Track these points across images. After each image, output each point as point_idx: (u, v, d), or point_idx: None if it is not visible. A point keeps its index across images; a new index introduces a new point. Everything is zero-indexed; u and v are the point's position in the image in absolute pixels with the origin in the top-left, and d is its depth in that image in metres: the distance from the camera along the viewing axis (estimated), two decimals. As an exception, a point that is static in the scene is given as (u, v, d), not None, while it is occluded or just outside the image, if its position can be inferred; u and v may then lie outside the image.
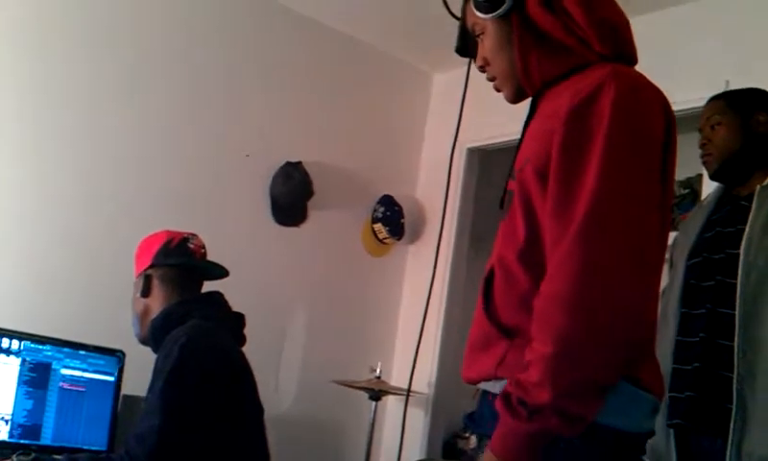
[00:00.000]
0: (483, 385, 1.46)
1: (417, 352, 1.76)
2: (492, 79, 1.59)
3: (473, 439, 1.54)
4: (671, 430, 2.33)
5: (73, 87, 3.42)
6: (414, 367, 1.80)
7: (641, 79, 1.43)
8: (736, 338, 2.20)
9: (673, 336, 2.37)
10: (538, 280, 1.36)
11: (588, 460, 1.32)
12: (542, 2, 1.48)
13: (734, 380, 2.19)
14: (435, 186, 4.34)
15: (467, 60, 1.67)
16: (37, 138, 3.33)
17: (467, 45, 1.63)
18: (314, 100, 4.13)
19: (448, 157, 4.47)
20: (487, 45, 1.56)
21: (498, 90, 1.59)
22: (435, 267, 1.76)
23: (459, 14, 1.64)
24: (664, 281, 2.54)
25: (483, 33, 1.57)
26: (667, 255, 2.58)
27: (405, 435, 3.89)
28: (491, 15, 1.52)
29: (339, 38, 4.20)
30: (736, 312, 2.22)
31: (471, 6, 1.55)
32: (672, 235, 2.65)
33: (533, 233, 1.40)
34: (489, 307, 1.46)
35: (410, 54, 4.34)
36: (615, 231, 1.29)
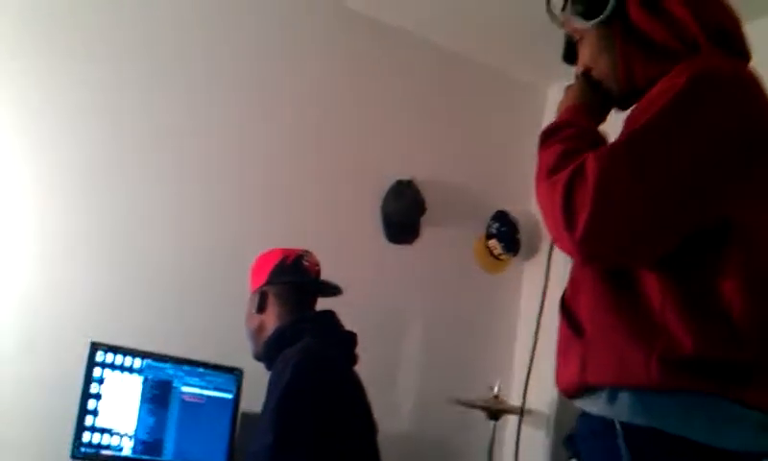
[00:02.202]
0: (579, 403, 1.42)
1: (529, 370, 1.71)
2: (598, 82, 1.53)
3: None
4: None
5: (193, 110, 3.52)
6: (526, 385, 1.76)
7: (736, 73, 1.35)
8: None
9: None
10: (601, 277, 1.37)
11: None
12: (645, 5, 1.43)
13: None
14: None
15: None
16: (160, 159, 3.43)
17: (574, 53, 1.58)
18: (425, 117, 4.12)
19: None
20: (586, 51, 1.53)
21: (607, 92, 1.53)
22: (546, 281, 1.72)
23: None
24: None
25: (582, 38, 1.52)
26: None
27: (524, 456, 3.79)
28: (592, 22, 1.47)
29: (448, 56, 4.18)
30: None
31: (570, 13, 1.51)
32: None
33: None
34: (564, 306, 1.46)
35: (521, 68, 4.27)
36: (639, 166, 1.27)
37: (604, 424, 1.33)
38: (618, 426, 1.31)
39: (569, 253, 1.32)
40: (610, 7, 1.45)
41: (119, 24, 3.38)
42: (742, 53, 1.44)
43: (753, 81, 1.38)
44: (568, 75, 1.68)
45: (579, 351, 1.39)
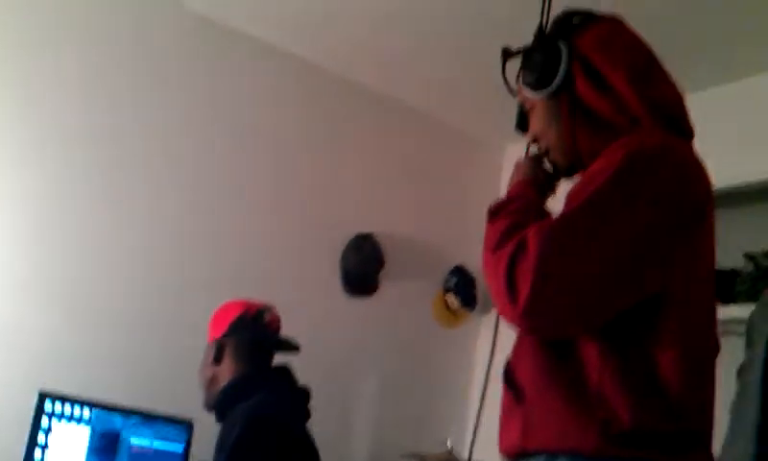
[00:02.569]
0: None
1: (476, 425, 1.74)
2: (544, 152, 1.58)
3: None
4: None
5: (151, 159, 3.52)
6: (473, 440, 1.79)
7: (672, 148, 1.41)
8: None
9: (756, 419, 2.25)
10: (542, 345, 1.40)
11: None
12: (591, 81, 1.48)
13: None
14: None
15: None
16: (118, 208, 3.41)
17: (526, 122, 1.63)
18: (385, 172, 4.16)
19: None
20: (536, 121, 1.58)
21: (551, 163, 1.58)
22: (495, 336, 1.75)
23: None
24: (740, 355, 2.43)
25: (533, 108, 1.57)
26: (741, 329, 2.47)
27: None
28: (540, 94, 1.52)
29: (409, 113, 4.24)
30: None
31: (521, 83, 1.56)
32: (746, 307, 2.55)
33: None
34: (507, 373, 1.49)
35: (480, 126, 4.34)
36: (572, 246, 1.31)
37: None
38: None
39: (513, 324, 1.36)
40: (557, 80, 1.50)
41: (57, 68, 3.39)
42: (684, 130, 1.49)
43: (687, 155, 1.43)
44: (526, 135, 1.72)
45: (520, 417, 1.42)
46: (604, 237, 1.30)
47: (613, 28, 1.54)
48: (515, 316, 1.31)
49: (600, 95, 1.47)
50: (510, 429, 1.44)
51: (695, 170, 1.42)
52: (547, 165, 1.59)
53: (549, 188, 1.59)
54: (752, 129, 3.29)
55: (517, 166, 1.61)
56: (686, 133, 1.50)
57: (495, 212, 1.48)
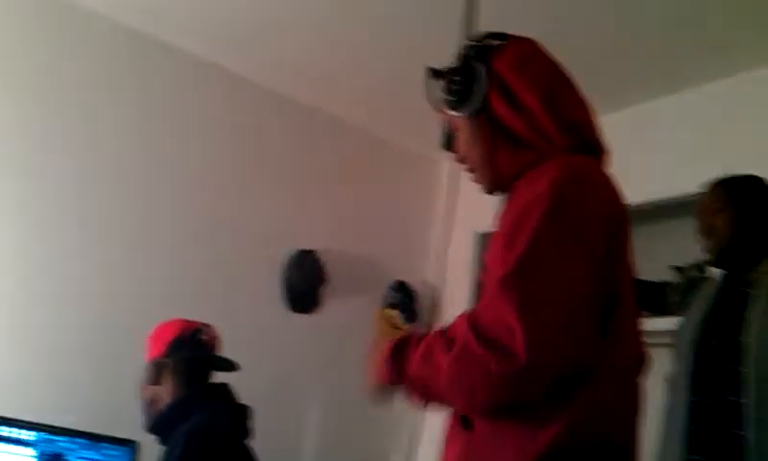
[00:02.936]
0: None
1: (415, 444, 1.78)
2: (470, 171, 1.66)
3: None
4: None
5: (84, 179, 3.51)
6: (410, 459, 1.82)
7: (587, 166, 1.50)
8: (748, 429, 2.18)
9: (686, 425, 2.35)
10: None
11: None
12: (506, 100, 1.55)
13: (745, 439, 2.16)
14: (448, 271, 4.37)
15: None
16: (52, 228, 3.40)
17: (451, 141, 1.70)
18: (325, 189, 4.21)
19: (460, 241, 4.50)
20: (461, 141, 1.64)
21: (477, 182, 1.66)
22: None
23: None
24: (665, 368, 2.54)
25: (457, 129, 1.64)
26: (670, 339, 2.59)
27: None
28: (460, 114, 1.59)
29: (347, 129, 4.30)
30: (744, 400, 2.20)
31: (443, 104, 1.63)
32: (674, 320, 2.67)
33: None
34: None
35: (418, 141, 4.41)
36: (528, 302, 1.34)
37: None
38: None
39: (516, 380, 1.33)
40: (475, 101, 1.57)
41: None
42: (594, 147, 1.59)
43: (602, 175, 1.53)
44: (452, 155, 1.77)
45: (463, 443, 1.46)
46: (559, 278, 1.35)
47: (528, 50, 1.61)
48: (517, 364, 1.31)
49: (515, 115, 1.55)
50: (450, 453, 1.50)
51: (612, 188, 1.51)
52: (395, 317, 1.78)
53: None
54: (680, 144, 3.43)
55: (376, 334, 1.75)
56: (597, 150, 1.59)
57: (400, 352, 1.59)
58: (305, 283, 3.99)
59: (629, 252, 1.52)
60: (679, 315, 2.64)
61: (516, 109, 1.55)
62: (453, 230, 3.90)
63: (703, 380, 2.36)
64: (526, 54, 1.60)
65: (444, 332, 1.43)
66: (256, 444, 2.54)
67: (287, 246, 3.97)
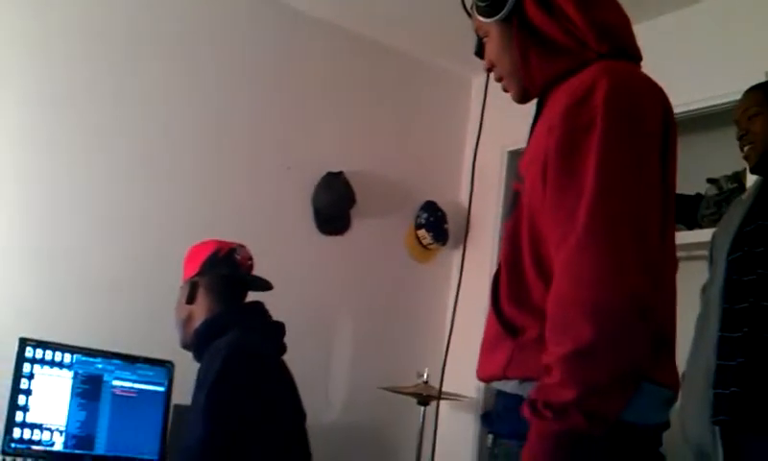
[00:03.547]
0: (495, 384, 1.48)
1: (446, 356, 1.78)
2: (499, 79, 1.62)
3: (489, 438, 1.56)
4: (717, 428, 2.30)
5: (124, 106, 3.51)
6: (443, 370, 1.84)
7: (634, 74, 1.45)
8: None
9: (716, 332, 2.34)
10: (541, 279, 1.39)
11: (600, 454, 1.31)
12: (540, 4, 1.50)
13: None
14: (479, 190, 4.33)
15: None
16: (92, 154, 3.42)
17: (484, 48, 1.65)
18: (353, 109, 4.17)
19: (490, 160, 4.47)
20: (491, 47, 1.60)
21: (506, 91, 1.61)
22: (462, 269, 1.79)
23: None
24: (704, 278, 2.51)
25: (487, 35, 1.60)
26: (706, 252, 2.55)
27: (454, 438, 3.90)
28: (492, 19, 1.54)
29: (375, 48, 4.24)
30: None
31: (475, 10, 1.58)
32: (710, 231, 2.63)
33: (535, 233, 1.42)
34: (496, 306, 1.49)
35: (447, 59, 4.35)
36: (618, 232, 1.30)
37: (516, 401, 1.39)
38: None
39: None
40: (508, 6, 1.52)
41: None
42: (632, 53, 1.53)
43: (646, 79, 1.48)
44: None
45: (507, 352, 1.44)
46: (631, 200, 1.33)
47: None
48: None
49: (549, 18, 1.50)
50: (494, 359, 1.47)
51: (660, 92, 1.46)
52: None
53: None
54: (710, 52, 3.33)
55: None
56: (635, 57, 1.54)
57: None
58: (334, 205, 3.99)
59: (675, 157, 1.48)
60: (713, 226, 2.60)
61: (549, 13, 1.50)
62: (482, 149, 3.85)
63: (736, 288, 2.33)
64: None
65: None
66: (291, 362, 2.56)
67: (318, 168, 3.96)
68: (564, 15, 1.49)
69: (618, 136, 1.34)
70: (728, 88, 2.90)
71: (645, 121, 1.38)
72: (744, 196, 2.54)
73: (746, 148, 2.42)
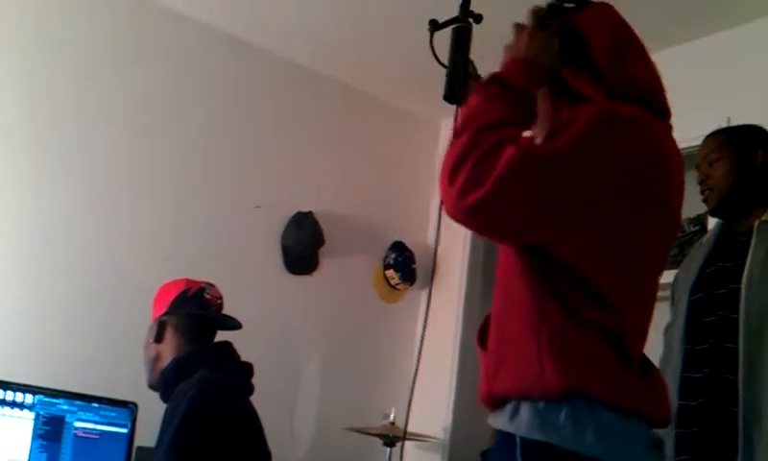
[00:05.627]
0: (489, 420, 1.50)
1: (411, 396, 1.79)
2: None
3: None
4: (678, 469, 2.32)
5: (87, 142, 3.50)
6: (408, 411, 1.84)
7: (640, 118, 1.47)
8: (740, 373, 2.20)
9: (678, 372, 2.37)
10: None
11: None
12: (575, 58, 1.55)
13: (740, 415, 2.19)
14: (446, 231, 4.36)
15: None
16: (55, 191, 3.40)
17: (454, 93, 1.68)
18: (323, 151, 4.20)
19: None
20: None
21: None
22: (428, 311, 1.80)
23: (445, 61, 1.70)
24: (667, 319, 2.55)
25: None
26: (667, 293, 2.59)
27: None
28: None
29: (346, 90, 4.28)
30: (740, 347, 2.22)
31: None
32: (673, 273, 2.67)
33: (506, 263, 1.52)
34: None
35: (416, 102, 4.39)
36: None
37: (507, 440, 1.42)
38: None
39: (444, 198, 1.42)
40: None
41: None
42: (657, 107, 1.56)
43: (658, 131, 1.52)
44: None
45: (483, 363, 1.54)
46: (564, 178, 1.38)
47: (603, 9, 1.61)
48: (448, 197, 1.40)
49: (579, 72, 1.54)
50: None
51: (664, 146, 1.51)
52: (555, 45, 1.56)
53: (549, 76, 1.57)
54: (673, 98, 3.39)
55: (530, 34, 1.55)
56: (660, 111, 1.56)
57: (495, 84, 1.50)
58: (303, 245, 3.99)
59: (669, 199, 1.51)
60: (676, 268, 2.63)
61: (581, 64, 1.54)
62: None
63: (697, 329, 2.36)
64: (600, 12, 1.60)
65: (518, 151, 1.39)
66: (258, 402, 2.54)
67: (285, 209, 3.97)
68: (596, 68, 1.52)
69: (589, 139, 1.40)
70: (690, 133, 2.94)
71: (624, 155, 1.41)
72: (704, 239, 2.59)
73: (706, 192, 2.47)
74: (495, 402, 1.48)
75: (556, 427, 1.35)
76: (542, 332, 1.39)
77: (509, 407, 1.43)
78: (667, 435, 2.32)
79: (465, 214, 1.38)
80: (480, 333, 1.57)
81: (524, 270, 1.46)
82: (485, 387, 1.50)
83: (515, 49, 1.54)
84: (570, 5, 1.60)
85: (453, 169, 1.39)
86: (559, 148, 1.38)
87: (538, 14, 1.57)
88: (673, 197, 1.51)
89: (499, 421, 1.44)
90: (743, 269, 2.28)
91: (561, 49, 1.54)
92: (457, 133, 1.44)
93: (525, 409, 1.39)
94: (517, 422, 1.40)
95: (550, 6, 1.61)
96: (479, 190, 1.35)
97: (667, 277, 2.76)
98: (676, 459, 2.31)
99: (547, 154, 1.38)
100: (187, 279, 2.61)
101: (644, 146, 1.45)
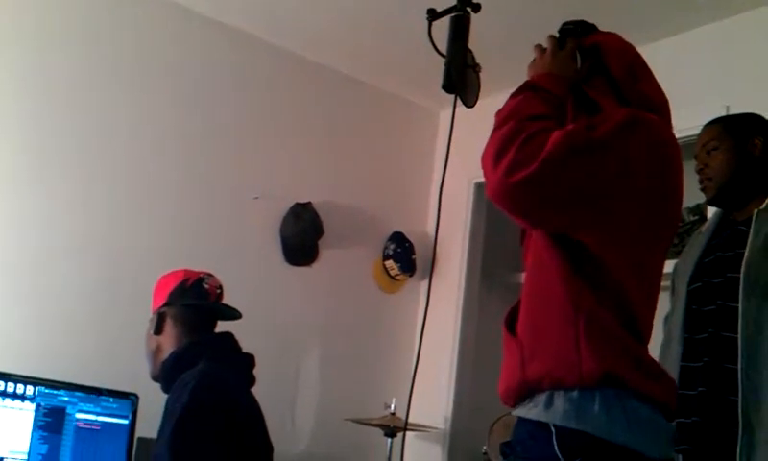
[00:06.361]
0: (516, 411, 1.58)
1: (412, 386, 1.79)
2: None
3: None
4: (679, 456, 2.33)
5: (86, 133, 3.50)
6: (409, 401, 1.84)
7: (656, 122, 1.62)
8: (740, 361, 2.21)
9: (677, 361, 2.38)
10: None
11: None
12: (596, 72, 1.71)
13: (740, 404, 2.19)
14: (446, 221, 4.37)
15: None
16: (53, 183, 3.40)
17: (452, 82, 1.68)
18: (322, 141, 4.19)
19: (457, 192, 4.50)
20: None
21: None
22: (428, 300, 1.81)
23: (443, 50, 1.70)
24: (667, 309, 2.55)
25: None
26: (668, 282, 2.59)
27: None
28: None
29: (345, 81, 4.27)
30: (739, 336, 2.22)
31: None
32: (673, 263, 2.68)
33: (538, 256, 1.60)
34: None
35: (415, 92, 4.40)
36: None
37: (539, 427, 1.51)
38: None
39: (488, 177, 1.52)
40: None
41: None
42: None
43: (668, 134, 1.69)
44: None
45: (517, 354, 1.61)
46: (603, 164, 1.51)
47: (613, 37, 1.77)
48: (494, 177, 1.49)
49: (598, 84, 1.69)
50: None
51: (675, 147, 1.65)
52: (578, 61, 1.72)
53: (571, 89, 1.70)
54: (671, 87, 3.39)
55: (556, 55, 1.71)
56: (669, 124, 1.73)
57: (534, 89, 1.64)
58: (302, 236, 3.99)
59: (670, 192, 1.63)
60: (676, 258, 2.63)
61: (602, 75, 1.68)
62: (449, 181, 3.88)
63: (696, 318, 2.37)
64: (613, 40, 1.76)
65: (563, 134, 1.52)
66: (258, 393, 2.54)
67: (286, 199, 3.97)
68: (614, 83, 1.67)
69: (605, 139, 1.53)
70: (689, 123, 2.94)
71: (642, 156, 1.55)
72: (703, 228, 2.59)
73: (705, 181, 2.46)
74: (522, 393, 1.55)
75: (591, 416, 1.45)
76: (579, 322, 1.48)
77: (541, 398, 1.51)
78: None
79: (511, 192, 1.47)
80: (508, 319, 1.65)
81: (557, 261, 1.54)
82: (517, 374, 1.56)
83: (539, 66, 1.70)
84: (578, 29, 1.76)
85: (499, 151, 1.49)
86: (601, 136, 1.51)
87: (555, 38, 1.74)
88: (680, 192, 1.66)
89: (533, 411, 1.52)
90: (742, 258, 2.28)
91: (581, 64, 1.69)
92: (498, 126, 1.56)
93: (560, 399, 1.48)
94: (553, 411, 1.48)
95: (561, 31, 1.76)
96: (528, 168, 1.45)
97: (668, 266, 2.78)
98: (677, 448, 2.31)
99: (592, 140, 1.50)
100: (186, 270, 2.61)
101: (665, 144, 1.61)
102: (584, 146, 1.49)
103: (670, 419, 1.56)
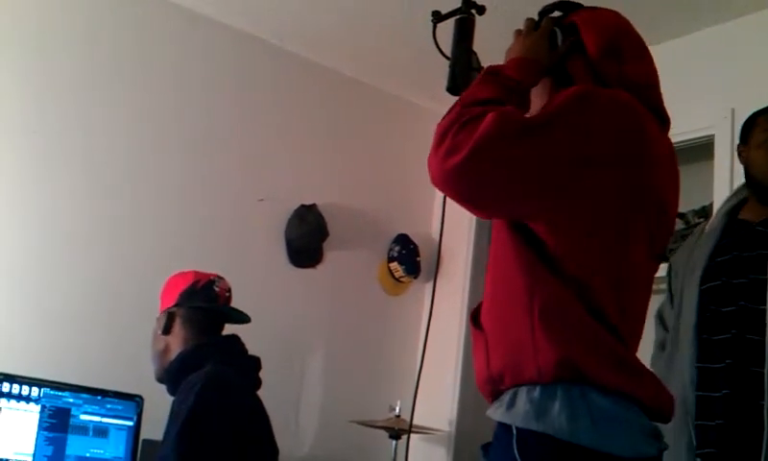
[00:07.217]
0: (488, 412, 1.50)
1: (417, 389, 1.79)
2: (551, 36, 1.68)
3: None
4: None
5: (89, 134, 3.51)
6: (414, 403, 1.84)
7: (621, 97, 1.50)
8: (767, 365, 2.17)
9: (692, 363, 2.33)
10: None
11: None
12: (576, 53, 1.61)
13: (765, 408, 2.15)
14: (450, 223, 4.36)
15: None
16: (57, 184, 3.41)
17: (457, 84, 1.68)
18: (326, 143, 4.19)
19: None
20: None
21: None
22: (433, 302, 1.81)
23: (448, 53, 1.70)
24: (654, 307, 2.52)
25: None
26: (657, 286, 2.57)
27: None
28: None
29: (349, 83, 4.27)
30: (767, 339, 2.18)
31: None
32: (664, 266, 2.65)
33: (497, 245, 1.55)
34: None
35: (419, 95, 4.39)
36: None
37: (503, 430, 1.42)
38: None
39: (431, 166, 1.48)
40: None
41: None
42: (651, 106, 1.57)
43: (639, 107, 1.53)
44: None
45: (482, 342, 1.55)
46: (541, 148, 1.41)
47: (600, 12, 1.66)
48: (433, 163, 1.46)
49: (581, 67, 1.59)
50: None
51: (648, 131, 1.51)
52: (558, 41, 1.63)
53: (546, 72, 1.62)
54: (677, 90, 3.38)
55: (529, 36, 1.63)
56: (656, 113, 1.57)
57: (492, 74, 1.56)
58: (307, 238, 3.99)
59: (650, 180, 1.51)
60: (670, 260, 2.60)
61: (583, 58, 1.59)
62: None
63: (714, 319, 2.32)
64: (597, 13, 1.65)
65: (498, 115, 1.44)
66: (264, 395, 2.54)
67: (289, 202, 3.97)
68: (590, 60, 1.57)
69: (572, 111, 1.43)
70: (695, 125, 2.95)
71: (597, 132, 1.44)
72: (707, 227, 2.53)
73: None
74: (494, 389, 1.49)
75: (552, 417, 1.35)
76: (534, 309, 1.41)
77: (506, 397, 1.43)
78: (683, 427, 2.30)
79: (445, 178, 1.44)
80: (474, 313, 1.59)
81: (513, 248, 1.48)
82: (484, 370, 1.51)
83: (513, 51, 1.62)
84: (558, 13, 1.67)
85: (439, 138, 1.44)
86: (536, 119, 1.42)
87: (531, 20, 1.66)
88: (659, 181, 1.53)
89: (498, 412, 1.44)
90: (764, 260, 2.23)
91: (558, 44, 1.60)
92: (448, 111, 1.48)
93: (522, 399, 1.40)
94: (514, 412, 1.40)
95: (540, 13, 1.68)
96: (459, 154, 1.39)
97: (662, 270, 2.76)
98: (700, 452, 2.27)
99: (525, 123, 1.41)
100: (196, 272, 2.61)
101: (623, 124, 1.46)
102: (518, 128, 1.40)
103: (654, 419, 1.43)
